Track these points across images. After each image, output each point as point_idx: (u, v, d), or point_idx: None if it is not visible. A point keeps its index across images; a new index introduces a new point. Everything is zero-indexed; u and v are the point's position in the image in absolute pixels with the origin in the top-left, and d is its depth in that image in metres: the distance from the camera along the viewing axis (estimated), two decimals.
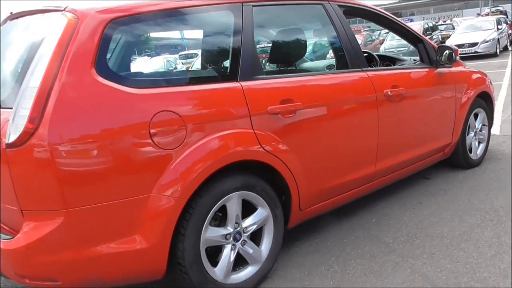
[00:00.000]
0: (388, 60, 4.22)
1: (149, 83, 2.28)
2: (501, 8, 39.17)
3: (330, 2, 3.11)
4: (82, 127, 1.96)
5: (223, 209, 2.41)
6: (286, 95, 2.61)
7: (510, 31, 20.81)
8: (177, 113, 2.17)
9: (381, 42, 20.31)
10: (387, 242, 2.96)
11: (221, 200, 2.34)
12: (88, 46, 2.02)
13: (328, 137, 2.86)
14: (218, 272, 2.40)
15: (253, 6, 2.65)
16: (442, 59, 3.74)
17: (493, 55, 16.35)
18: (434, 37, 21.21)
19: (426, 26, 22.11)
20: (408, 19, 45.12)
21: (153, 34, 2.87)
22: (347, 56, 3.10)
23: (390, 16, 3.67)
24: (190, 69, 2.71)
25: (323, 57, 10.36)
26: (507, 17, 26.21)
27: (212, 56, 3.14)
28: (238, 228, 2.47)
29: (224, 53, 2.81)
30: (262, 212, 2.55)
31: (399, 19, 3.85)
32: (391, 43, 17.65)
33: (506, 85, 9.23)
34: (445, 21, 33.33)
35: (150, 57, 19.88)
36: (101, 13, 2.12)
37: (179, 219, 2.19)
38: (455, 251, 2.76)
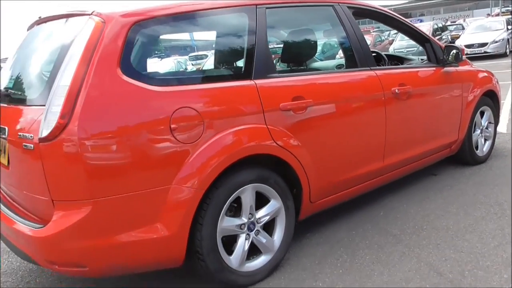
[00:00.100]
0: (396, 60, 4.35)
1: (169, 82, 2.43)
2: (511, 8, 38.96)
3: (340, 4, 3.25)
4: (108, 123, 2.11)
5: (238, 201, 2.54)
6: (297, 93, 2.74)
7: None
8: (195, 109, 2.31)
9: (390, 43, 20.34)
10: (394, 234, 3.08)
11: (236, 192, 2.48)
12: (114, 47, 2.17)
13: (338, 133, 2.99)
14: (233, 260, 2.54)
15: (266, 8, 2.80)
16: (449, 58, 3.86)
17: (503, 55, 16.35)
18: (443, 37, 21.20)
19: (436, 26, 22.13)
20: (418, 20, 45.07)
21: (172, 36, 3.01)
22: (356, 55, 3.23)
23: (398, 17, 3.80)
24: (204, 68, 2.82)
25: (333, 57, 10.46)
26: None
27: (228, 56, 3.28)
28: (252, 219, 2.60)
29: (239, 53, 2.96)
30: (274, 204, 2.69)
31: (408, 19, 3.97)
32: (400, 43, 17.69)
33: None
34: (453, 22, 33.23)
35: (169, 57, 20.17)
36: (124, 17, 2.27)
37: (197, 209, 2.32)
38: (460, 242, 2.88)
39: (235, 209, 2.58)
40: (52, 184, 2.11)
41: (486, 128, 4.47)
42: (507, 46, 16.86)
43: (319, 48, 5.10)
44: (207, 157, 2.32)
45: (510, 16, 23.73)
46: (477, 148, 4.37)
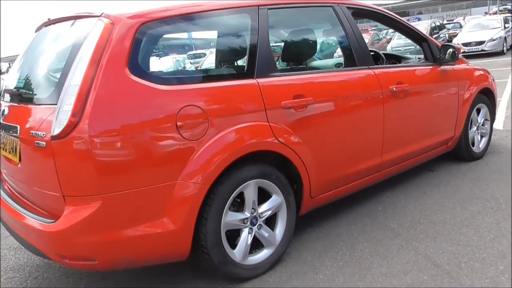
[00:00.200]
0: (394, 59, 4.44)
1: (175, 80, 2.50)
2: (509, 7, 39.05)
3: (339, 4, 3.33)
4: (117, 121, 2.18)
5: (241, 196, 2.62)
6: (298, 91, 2.82)
7: None
8: (200, 107, 2.39)
9: (388, 41, 20.43)
10: (393, 228, 3.17)
11: (240, 187, 2.56)
12: (122, 48, 2.25)
13: (337, 130, 3.08)
14: (237, 253, 2.62)
15: (268, 9, 2.88)
16: (446, 57, 3.94)
17: (500, 54, 16.44)
18: (441, 35, 21.31)
19: (434, 25, 22.22)
20: (416, 18, 45.16)
21: (177, 36, 3.10)
22: (355, 54, 3.32)
23: (396, 17, 3.88)
24: (208, 67, 2.89)
25: (332, 56, 10.56)
26: None
27: (231, 56, 3.36)
28: (255, 213, 2.68)
29: (241, 52, 3.04)
30: (276, 199, 2.77)
31: (406, 18, 4.06)
32: (398, 41, 17.80)
33: (511, 83, 9.38)
34: (451, 20, 33.30)
35: (174, 57, 20.34)
36: (131, 18, 2.35)
37: (202, 205, 2.41)
38: (457, 235, 2.97)
39: (238, 204, 2.66)
40: (63, 180, 2.19)
41: (482, 125, 4.56)
42: (505, 44, 16.94)
43: (319, 48, 5.19)
44: (211, 154, 2.40)
45: (507, 14, 23.85)
46: (473, 144, 4.45)
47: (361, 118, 3.24)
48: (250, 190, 2.62)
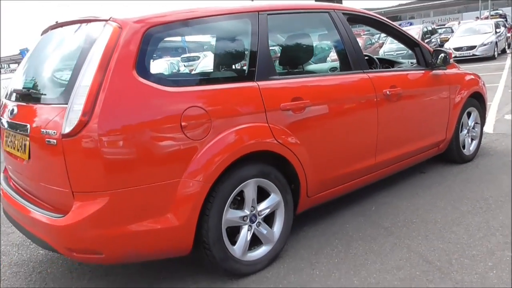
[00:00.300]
0: (387, 63, 4.57)
1: (179, 82, 2.61)
2: (500, 12, 39.54)
3: (335, 10, 3.46)
4: (125, 121, 2.28)
5: (240, 194, 2.72)
6: (296, 94, 2.94)
7: (508, 35, 21.17)
8: (203, 108, 2.50)
9: (381, 46, 20.60)
10: (386, 227, 3.28)
11: (240, 186, 2.67)
12: (130, 51, 2.35)
13: (333, 132, 3.19)
14: (237, 249, 2.72)
15: (268, 14, 2.99)
16: (437, 61, 4.07)
17: (491, 58, 16.68)
18: (433, 40, 21.54)
19: (425, 29, 22.45)
20: (408, 22, 45.49)
21: (181, 40, 3.21)
22: (350, 58, 3.44)
23: (389, 23, 4.01)
24: (210, 70, 2.98)
25: (325, 60, 10.69)
26: (506, 20, 26.56)
27: (232, 59, 3.46)
28: (254, 211, 2.79)
29: (243, 56, 3.15)
30: (274, 198, 2.87)
31: (398, 22, 4.19)
32: (390, 46, 17.94)
33: (502, 87, 9.57)
34: (442, 25, 33.59)
35: (179, 60, 20.47)
36: (139, 22, 2.45)
37: (204, 202, 2.51)
38: (447, 234, 3.09)
39: (238, 202, 2.76)
40: (72, 176, 2.28)
41: (473, 128, 4.69)
42: (496, 49, 17.19)
43: (315, 52, 5.31)
44: (214, 153, 2.50)
45: (499, 19, 24.16)
46: (464, 147, 4.59)
47: (356, 120, 3.36)
48: (250, 189, 2.73)
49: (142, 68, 2.38)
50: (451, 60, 4.39)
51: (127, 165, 2.30)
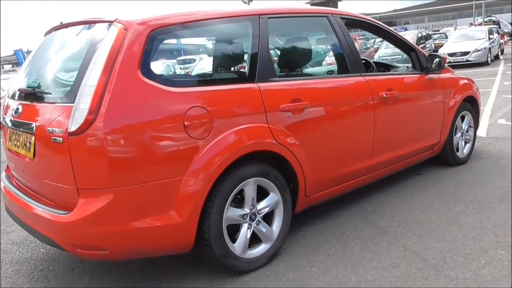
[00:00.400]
0: (383, 67, 4.66)
1: (182, 83, 2.68)
2: (494, 18, 39.88)
3: (333, 15, 3.54)
4: (130, 119, 2.34)
5: (241, 193, 2.78)
6: (295, 95, 3.01)
7: (501, 41, 21.41)
8: (205, 108, 2.56)
9: (376, 50, 20.79)
10: (382, 226, 3.35)
11: (240, 185, 2.73)
12: (135, 51, 2.41)
13: (331, 133, 3.26)
14: (237, 247, 2.78)
15: (268, 18, 3.06)
16: (432, 66, 4.16)
17: (485, 64, 16.87)
18: (427, 45, 21.75)
19: (420, 35, 22.67)
20: (403, 28, 45.85)
21: (184, 41, 3.28)
22: (348, 62, 3.52)
23: (386, 27, 4.10)
24: (212, 71, 3.03)
25: (320, 63, 10.79)
26: (499, 27, 26.82)
27: (234, 61, 3.53)
28: (254, 210, 2.85)
29: (244, 58, 3.22)
30: (273, 197, 2.94)
31: (393, 27, 4.29)
32: (385, 51, 18.14)
33: (495, 92, 9.70)
34: (437, 31, 33.86)
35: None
36: (143, 24, 2.51)
37: (206, 200, 2.57)
38: (442, 233, 3.17)
39: (239, 201, 2.82)
40: (78, 173, 2.34)
41: (467, 131, 4.78)
42: (489, 55, 17.39)
43: (314, 55, 5.40)
44: (215, 152, 2.57)
45: (492, 26, 24.40)
46: (458, 150, 4.68)
47: (353, 122, 3.43)
48: (250, 188, 2.79)
49: (147, 69, 2.44)
50: (446, 65, 4.48)
51: (131, 163, 2.36)
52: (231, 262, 2.75)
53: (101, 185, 2.33)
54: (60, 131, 2.36)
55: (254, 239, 2.91)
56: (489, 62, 17.29)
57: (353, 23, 3.87)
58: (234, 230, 2.81)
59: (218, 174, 2.58)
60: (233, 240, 2.79)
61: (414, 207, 3.68)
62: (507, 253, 2.81)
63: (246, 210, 2.81)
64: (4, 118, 3.00)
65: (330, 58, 11.29)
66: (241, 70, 3.51)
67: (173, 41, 3.19)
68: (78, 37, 2.80)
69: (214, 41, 3.51)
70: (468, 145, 4.84)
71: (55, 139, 2.38)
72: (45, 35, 3.15)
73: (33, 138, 2.59)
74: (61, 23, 2.93)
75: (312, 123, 3.11)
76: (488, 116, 7.18)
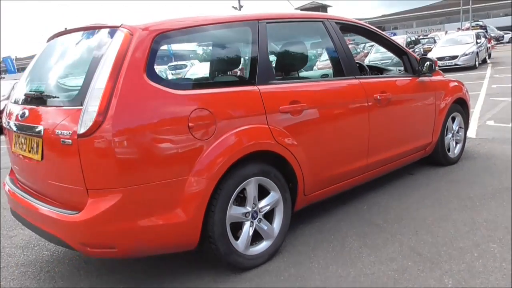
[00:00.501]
0: (377, 70, 4.79)
1: (186, 86, 2.78)
2: (481, 23, 40.44)
3: (329, 20, 3.67)
4: (137, 121, 2.43)
5: (242, 192, 2.88)
6: (294, 97, 3.12)
7: (488, 45, 21.74)
8: (208, 110, 2.66)
9: (366, 55, 21.00)
10: (378, 224, 3.47)
11: (243, 184, 2.83)
12: (141, 55, 2.51)
13: (328, 134, 3.38)
14: (240, 244, 2.87)
15: (267, 23, 3.18)
16: (424, 69, 4.31)
17: (472, 68, 17.17)
18: (416, 50, 22.01)
19: (409, 39, 22.96)
20: (392, 33, 46.24)
21: (187, 46, 3.38)
22: (343, 65, 3.64)
23: (379, 32, 4.23)
24: (215, 75, 3.11)
25: (311, 67, 10.95)
26: (486, 31, 27.20)
27: (234, 64, 3.63)
28: (255, 208, 2.95)
29: (244, 61, 3.33)
30: (274, 195, 3.04)
31: (383, 33, 4.42)
32: (375, 55, 18.30)
33: (483, 95, 9.89)
34: (425, 35, 34.23)
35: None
36: (147, 29, 2.61)
37: (210, 198, 2.66)
38: (436, 229, 3.28)
39: (241, 200, 2.92)
40: (87, 174, 2.42)
41: (457, 132, 4.93)
42: (477, 59, 17.68)
43: (311, 58, 5.53)
44: (219, 152, 2.66)
45: (479, 30, 24.75)
46: (449, 150, 4.82)
47: (349, 123, 3.55)
48: (251, 187, 2.89)
49: (152, 72, 2.54)
50: (436, 68, 4.62)
51: (138, 163, 2.45)
52: (234, 259, 2.84)
53: (109, 185, 2.42)
54: (69, 133, 2.44)
55: (256, 237, 3.00)
56: (477, 66, 17.59)
57: (348, 27, 4.00)
58: (236, 228, 2.91)
59: (221, 173, 2.68)
60: (236, 238, 2.88)
61: (408, 205, 3.80)
62: (499, 246, 2.93)
63: (248, 209, 2.91)
64: (8, 122, 3.07)
65: (322, 63, 11.55)
66: (242, 73, 3.62)
67: (176, 46, 3.27)
68: (83, 42, 2.89)
69: (215, 46, 3.60)
70: (459, 146, 4.98)
71: (64, 141, 2.46)
72: (47, 41, 3.23)
73: (41, 141, 2.67)
74: (66, 29, 3.02)
75: (310, 124, 3.22)
76: (477, 118, 7.35)
